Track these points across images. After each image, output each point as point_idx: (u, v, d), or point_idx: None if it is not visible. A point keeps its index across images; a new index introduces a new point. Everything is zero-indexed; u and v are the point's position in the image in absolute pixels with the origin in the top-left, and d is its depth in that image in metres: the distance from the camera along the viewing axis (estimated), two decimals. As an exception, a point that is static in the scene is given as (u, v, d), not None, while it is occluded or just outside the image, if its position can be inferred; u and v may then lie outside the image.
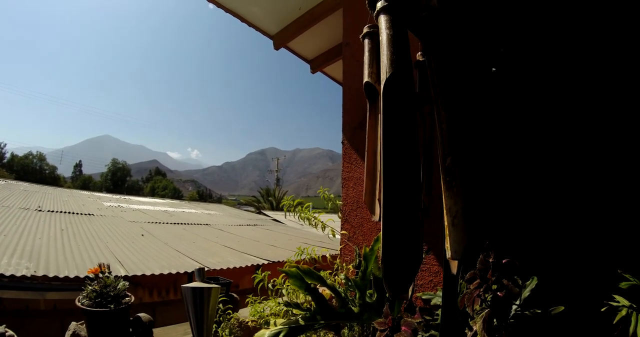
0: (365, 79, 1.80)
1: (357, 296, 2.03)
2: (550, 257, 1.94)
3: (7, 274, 4.66)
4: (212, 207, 24.75)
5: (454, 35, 1.77)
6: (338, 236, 3.08)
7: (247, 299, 2.75)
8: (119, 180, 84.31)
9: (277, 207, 37.80)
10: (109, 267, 2.53)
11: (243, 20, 4.54)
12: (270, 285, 2.66)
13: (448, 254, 1.31)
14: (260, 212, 26.99)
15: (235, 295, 3.04)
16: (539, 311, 1.52)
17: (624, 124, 1.85)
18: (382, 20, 1.39)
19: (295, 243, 10.82)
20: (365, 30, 1.90)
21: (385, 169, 1.18)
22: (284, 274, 2.08)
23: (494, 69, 2.09)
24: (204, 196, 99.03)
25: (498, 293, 1.35)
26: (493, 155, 2.14)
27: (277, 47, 4.97)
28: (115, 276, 2.51)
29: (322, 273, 2.67)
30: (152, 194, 77.22)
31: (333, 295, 2.03)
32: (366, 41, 1.89)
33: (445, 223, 1.32)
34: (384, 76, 1.26)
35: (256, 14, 4.50)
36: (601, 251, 1.83)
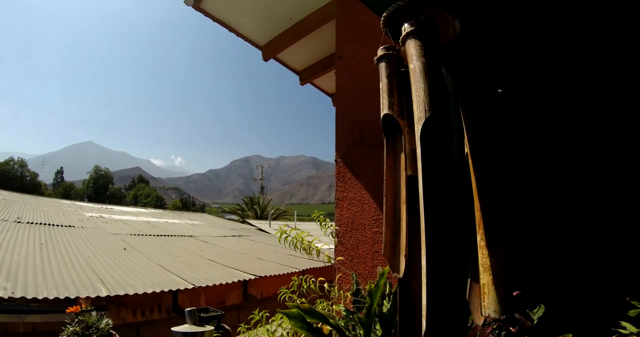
0: (385, 110, 1.57)
1: (362, 333, 1.91)
2: (558, 285, 1.90)
3: (-16, 295, 4.40)
4: (195, 216, 24.40)
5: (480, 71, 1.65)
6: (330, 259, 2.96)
7: (239, 329, 2.68)
8: (101, 187, 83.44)
9: (262, 216, 37.54)
10: (90, 303, 2.34)
11: (232, 30, 4.42)
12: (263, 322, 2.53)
13: (484, 313, 1.28)
14: (244, 221, 26.72)
15: (227, 327, 2.90)
16: (548, 340, 1.51)
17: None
18: (413, 46, 1.27)
19: (281, 256, 10.64)
20: (380, 52, 1.66)
21: (429, 230, 1.07)
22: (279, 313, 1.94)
23: (499, 90, 1.98)
24: (187, 203, 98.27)
25: (511, 329, 1.29)
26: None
27: (266, 58, 4.85)
28: (97, 311, 2.32)
29: (319, 304, 2.54)
30: (135, 202, 76.47)
31: (335, 332, 1.93)
32: (382, 65, 1.65)
33: (484, 281, 1.27)
34: (421, 114, 1.16)
35: (246, 24, 4.39)
36: (609, 278, 1.82)
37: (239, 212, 42.48)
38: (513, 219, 1.92)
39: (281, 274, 8.07)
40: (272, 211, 38.59)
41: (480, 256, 1.28)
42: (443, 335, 1.05)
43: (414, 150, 1.38)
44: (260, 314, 2.53)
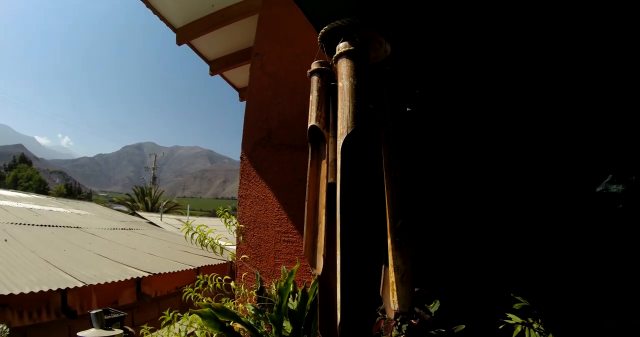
0: (312, 122, 1.71)
1: (274, 330, 2.02)
2: (452, 282, 2.14)
3: None
4: (82, 205, 22.87)
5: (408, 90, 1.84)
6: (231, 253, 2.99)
7: (142, 331, 2.58)
8: (-23, 166, 76.49)
9: (153, 208, 36.23)
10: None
11: (149, 5, 4.16)
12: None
13: (394, 307, 1.46)
14: (134, 213, 25.61)
15: (130, 329, 2.77)
16: (443, 330, 1.71)
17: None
18: (344, 66, 1.42)
19: (175, 252, 10.34)
20: (314, 66, 1.80)
21: (344, 234, 1.25)
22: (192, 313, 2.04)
23: (408, 109, 2.17)
24: (72, 190, 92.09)
25: (412, 321, 1.52)
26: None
27: (179, 43, 4.68)
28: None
29: (226, 303, 2.60)
30: (15, 185, 70.65)
31: (246, 330, 2.03)
32: (314, 79, 1.79)
33: (392, 279, 1.45)
34: (343, 130, 1.31)
35: (165, 2, 4.17)
36: (496, 277, 2.12)
37: (129, 203, 40.62)
38: (421, 224, 2.16)
39: (176, 271, 7.85)
40: (164, 203, 37.41)
41: (390, 258, 1.44)
42: (356, 325, 1.25)
43: (335, 160, 1.53)
44: (172, 314, 2.49)
